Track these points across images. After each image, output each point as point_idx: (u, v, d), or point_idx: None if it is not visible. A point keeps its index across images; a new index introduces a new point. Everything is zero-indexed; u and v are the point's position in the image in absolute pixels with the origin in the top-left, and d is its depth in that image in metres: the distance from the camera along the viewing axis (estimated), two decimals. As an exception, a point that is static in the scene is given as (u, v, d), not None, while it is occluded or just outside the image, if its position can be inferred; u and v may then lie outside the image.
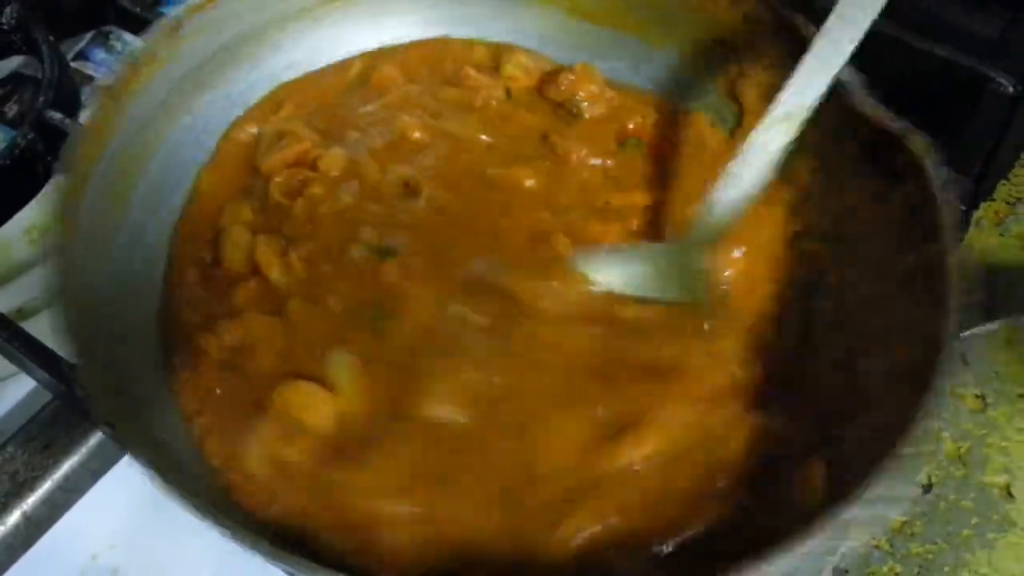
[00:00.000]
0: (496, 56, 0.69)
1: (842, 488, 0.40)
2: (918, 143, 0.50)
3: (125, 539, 0.68)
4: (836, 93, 0.54)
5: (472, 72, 0.68)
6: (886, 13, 0.80)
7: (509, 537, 0.46)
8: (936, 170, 0.49)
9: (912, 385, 0.42)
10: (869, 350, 0.50)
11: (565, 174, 0.62)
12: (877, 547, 0.50)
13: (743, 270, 0.56)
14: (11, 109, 0.92)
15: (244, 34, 0.67)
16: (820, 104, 0.55)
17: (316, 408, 0.50)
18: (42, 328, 0.62)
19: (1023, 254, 0.62)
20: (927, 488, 0.52)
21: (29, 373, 0.63)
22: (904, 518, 0.51)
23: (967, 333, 0.44)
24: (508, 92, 0.67)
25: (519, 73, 0.68)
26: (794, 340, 0.53)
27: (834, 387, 0.50)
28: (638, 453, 0.47)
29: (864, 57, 0.74)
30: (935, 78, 0.75)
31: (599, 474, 0.47)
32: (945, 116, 0.74)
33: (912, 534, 0.51)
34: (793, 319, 0.54)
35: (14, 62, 0.92)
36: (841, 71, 0.52)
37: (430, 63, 0.70)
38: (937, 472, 0.53)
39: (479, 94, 0.67)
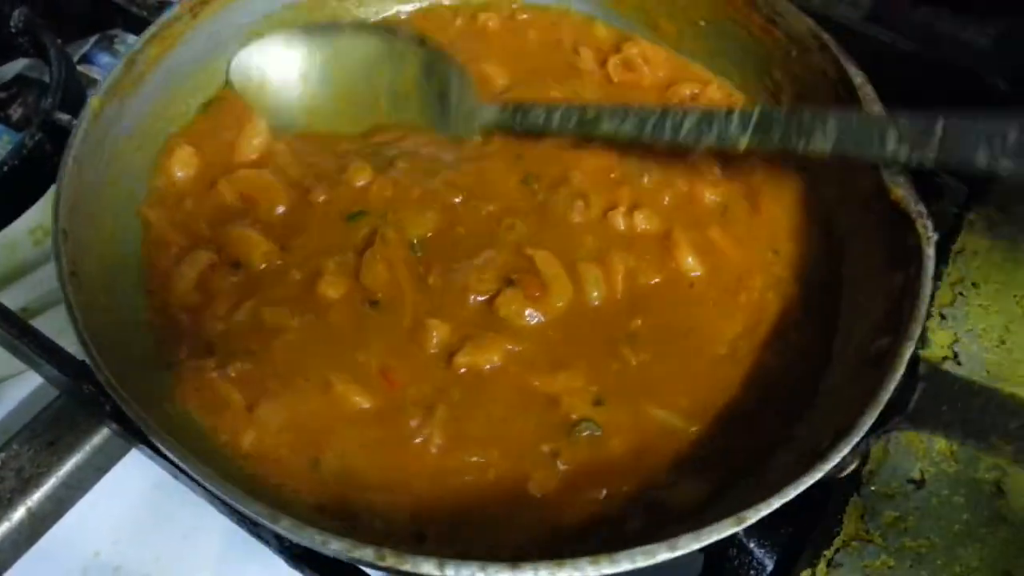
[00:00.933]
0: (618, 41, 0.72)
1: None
2: (926, 229, 0.52)
3: (127, 536, 0.68)
4: (876, 166, 0.56)
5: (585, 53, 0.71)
6: (881, 22, 0.82)
7: None
8: (930, 261, 0.51)
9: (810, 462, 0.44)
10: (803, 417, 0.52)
11: None
12: (871, 541, 0.51)
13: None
14: (16, 112, 0.93)
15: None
16: (859, 168, 0.58)
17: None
18: (47, 326, 0.62)
19: (1012, 256, 0.63)
20: (919, 484, 0.53)
21: (36, 369, 0.63)
22: (897, 513, 0.52)
23: (881, 430, 0.46)
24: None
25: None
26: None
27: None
28: None
29: (867, 66, 0.76)
30: (930, 81, 0.76)
31: None
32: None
33: (905, 529, 0.51)
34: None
35: (19, 65, 0.93)
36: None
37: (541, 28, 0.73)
38: (930, 468, 0.53)
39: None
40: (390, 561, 0.40)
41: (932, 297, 0.61)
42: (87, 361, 0.46)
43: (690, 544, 0.40)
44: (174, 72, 0.64)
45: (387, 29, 0.69)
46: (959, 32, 0.97)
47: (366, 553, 0.40)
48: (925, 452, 0.53)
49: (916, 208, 0.53)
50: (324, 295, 0.56)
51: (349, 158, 0.63)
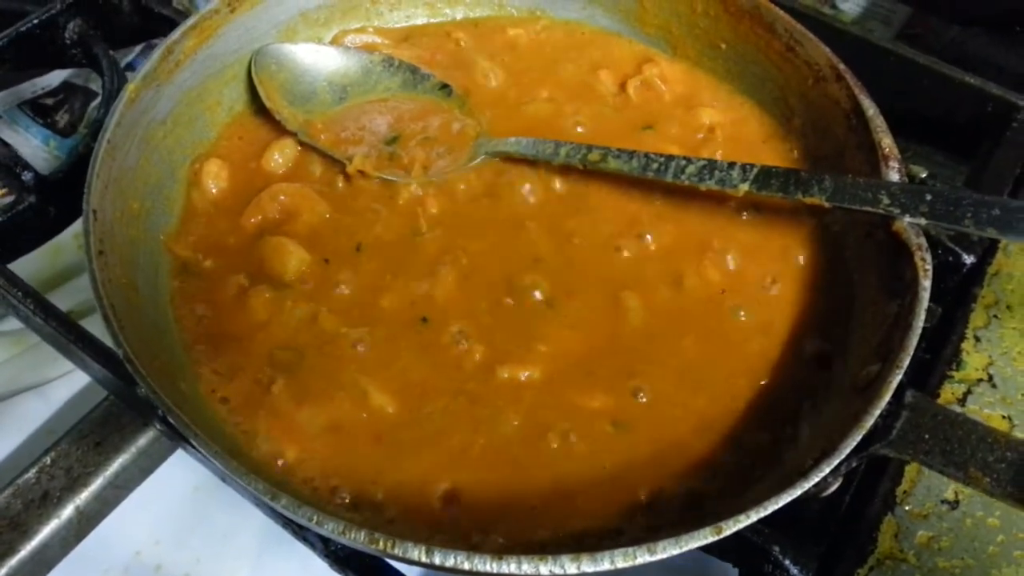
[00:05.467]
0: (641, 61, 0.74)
1: None
2: (924, 262, 0.53)
3: (168, 536, 0.70)
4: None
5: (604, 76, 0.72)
6: (920, 46, 0.83)
7: None
8: (925, 292, 0.51)
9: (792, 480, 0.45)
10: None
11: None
12: (904, 561, 0.51)
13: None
14: (62, 118, 0.95)
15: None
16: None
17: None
18: (92, 329, 0.64)
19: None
20: (953, 504, 0.54)
21: (88, 371, 0.65)
22: (931, 534, 0.53)
23: (863, 454, 0.47)
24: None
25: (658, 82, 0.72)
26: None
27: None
28: None
29: (899, 85, 0.76)
30: (966, 106, 0.77)
31: None
32: (976, 142, 0.76)
33: (939, 549, 0.52)
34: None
35: (65, 72, 0.95)
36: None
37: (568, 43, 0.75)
38: (964, 489, 0.54)
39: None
40: (381, 545, 0.42)
41: (967, 320, 0.62)
42: (110, 338, 0.48)
43: (669, 549, 0.42)
44: (209, 63, 0.66)
45: (413, 69, 0.71)
46: (992, 53, 0.97)
47: (358, 536, 0.42)
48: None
49: (916, 241, 0.54)
50: (385, 308, 0.57)
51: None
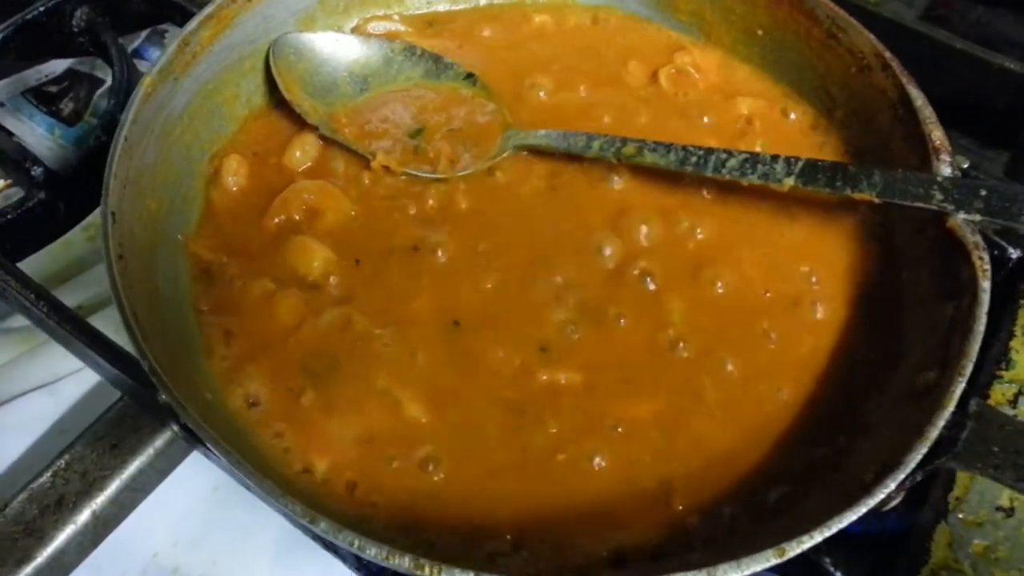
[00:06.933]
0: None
1: None
2: (982, 261, 0.50)
3: (186, 538, 0.68)
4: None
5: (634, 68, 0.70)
6: (944, 26, 0.81)
7: None
8: (985, 295, 0.49)
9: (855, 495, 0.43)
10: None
11: None
12: (960, 571, 0.50)
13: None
14: (67, 106, 0.93)
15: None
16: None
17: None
18: (103, 324, 0.62)
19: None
20: (1009, 512, 0.52)
21: (100, 372, 0.63)
22: (987, 543, 0.51)
23: (928, 467, 0.45)
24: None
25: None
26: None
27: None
28: None
29: (932, 69, 0.74)
30: (1005, 91, 0.75)
31: None
32: (1014, 129, 0.74)
33: (996, 559, 0.50)
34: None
35: (70, 59, 0.92)
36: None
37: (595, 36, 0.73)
38: (1020, 497, 0.52)
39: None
40: (427, 572, 0.40)
41: (1015, 317, 0.60)
42: (133, 348, 0.46)
43: (728, 573, 0.40)
44: (226, 54, 0.64)
45: (436, 58, 0.68)
46: (1018, 33, 0.95)
47: (402, 562, 0.40)
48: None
49: (972, 239, 0.51)
50: (417, 311, 0.55)
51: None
